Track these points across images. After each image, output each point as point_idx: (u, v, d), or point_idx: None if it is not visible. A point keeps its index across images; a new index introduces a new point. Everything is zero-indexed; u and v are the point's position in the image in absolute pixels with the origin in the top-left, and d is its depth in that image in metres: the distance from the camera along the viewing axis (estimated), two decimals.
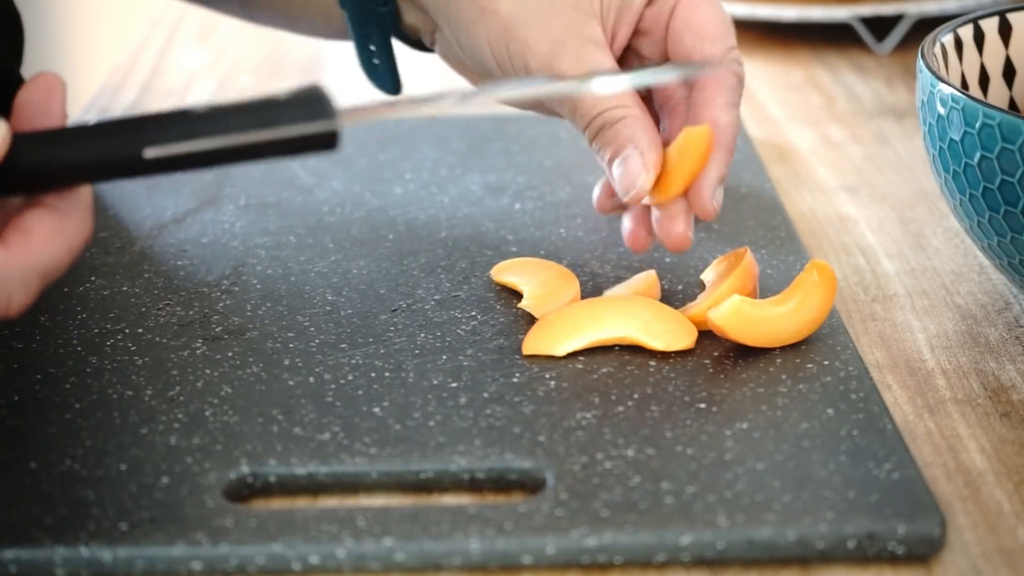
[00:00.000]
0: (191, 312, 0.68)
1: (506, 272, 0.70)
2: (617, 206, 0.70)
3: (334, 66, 1.07)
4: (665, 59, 0.68)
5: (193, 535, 0.54)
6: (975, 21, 0.73)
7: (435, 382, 0.63)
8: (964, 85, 0.73)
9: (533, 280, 0.69)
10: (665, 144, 0.66)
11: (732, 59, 0.66)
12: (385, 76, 0.73)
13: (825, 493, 0.55)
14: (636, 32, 0.68)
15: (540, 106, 0.70)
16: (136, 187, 0.81)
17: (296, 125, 0.55)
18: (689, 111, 0.66)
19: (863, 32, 1.05)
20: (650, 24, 0.67)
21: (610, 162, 0.65)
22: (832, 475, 0.56)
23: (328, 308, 0.69)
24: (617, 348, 0.65)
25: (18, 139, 0.53)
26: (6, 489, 0.56)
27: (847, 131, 0.93)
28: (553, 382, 0.62)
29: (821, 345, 0.65)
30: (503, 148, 0.86)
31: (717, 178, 0.65)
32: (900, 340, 0.69)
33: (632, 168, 0.64)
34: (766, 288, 0.69)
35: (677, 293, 0.69)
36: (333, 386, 0.62)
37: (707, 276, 0.70)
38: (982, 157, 0.64)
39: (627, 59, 0.69)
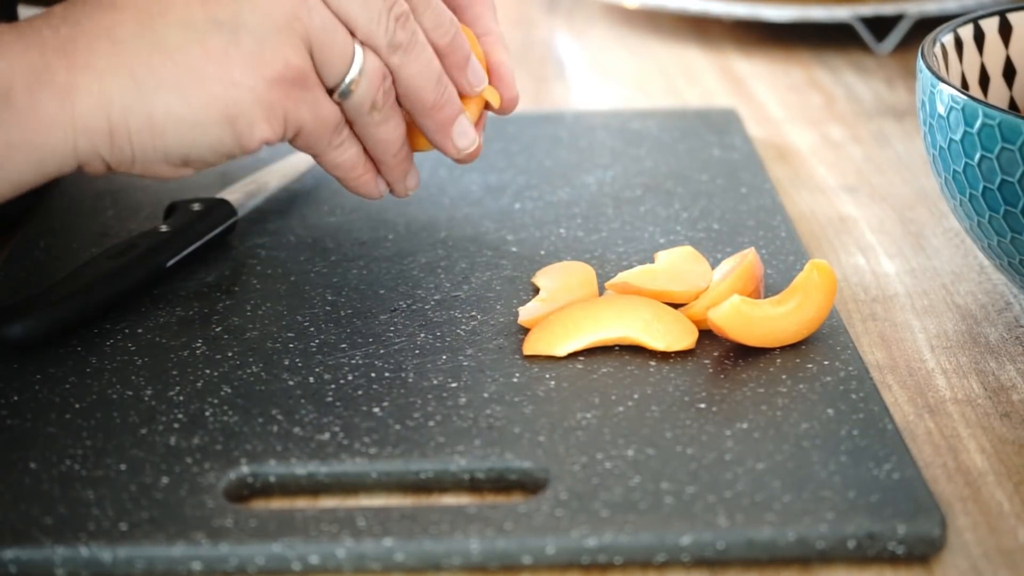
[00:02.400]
0: (191, 312, 0.68)
1: (543, 275, 0.70)
2: None
3: None
4: None
5: (193, 535, 0.54)
6: (975, 21, 0.73)
7: (435, 382, 0.63)
8: (964, 85, 0.73)
9: (554, 282, 0.69)
10: None
11: None
12: None
13: (825, 493, 0.55)
14: None
15: None
16: (137, 187, 0.81)
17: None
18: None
19: (863, 32, 1.05)
20: None
21: None
22: (832, 475, 0.56)
23: (328, 308, 0.69)
24: (617, 348, 0.65)
25: None
26: (6, 489, 0.56)
27: (847, 131, 0.93)
28: (553, 382, 0.62)
29: (821, 345, 0.65)
30: (503, 148, 0.86)
31: (513, 71, 0.70)
32: (900, 340, 0.69)
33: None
34: (766, 288, 0.69)
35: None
36: (333, 386, 0.62)
37: (716, 277, 0.70)
38: (982, 157, 0.64)
39: None
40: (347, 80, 0.62)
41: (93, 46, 0.59)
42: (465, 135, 0.67)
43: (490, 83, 0.69)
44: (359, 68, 0.62)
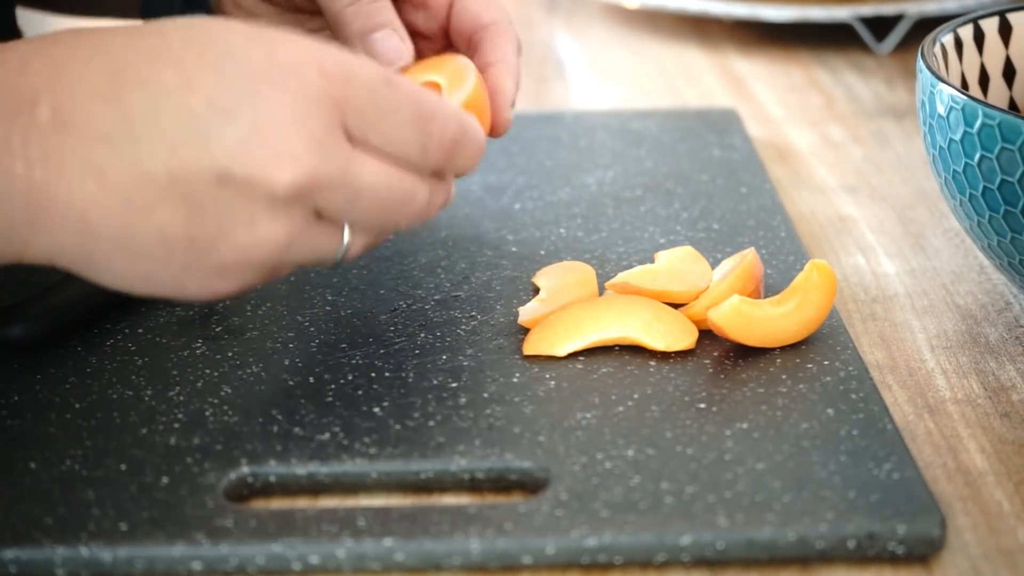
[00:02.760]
0: (191, 312, 0.68)
1: (543, 275, 0.70)
2: None
3: None
4: (440, 35, 0.72)
5: (193, 535, 0.54)
6: (975, 21, 0.73)
7: (435, 382, 0.63)
8: (964, 85, 0.73)
9: (554, 282, 0.69)
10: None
11: (508, 18, 0.71)
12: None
13: (825, 493, 0.55)
14: (412, 4, 0.71)
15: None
16: None
17: None
18: (471, 53, 0.70)
19: (863, 32, 1.05)
20: None
21: (362, 35, 0.68)
22: (832, 475, 0.56)
23: (328, 308, 0.69)
24: (617, 348, 0.65)
25: None
26: (6, 489, 0.56)
27: (847, 131, 0.93)
28: (553, 382, 0.62)
29: (821, 345, 0.65)
30: (502, 148, 0.86)
31: (512, 95, 0.69)
32: (900, 340, 0.69)
33: (393, 45, 0.68)
34: (766, 288, 0.69)
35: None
36: (333, 386, 0.62)
37: (716, 277, 0.70)
38: (982, 157, 0.64)
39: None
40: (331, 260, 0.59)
41: (63, 216, 0.54)
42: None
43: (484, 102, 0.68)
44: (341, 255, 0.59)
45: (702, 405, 0.61)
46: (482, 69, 0.69)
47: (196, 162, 0.54)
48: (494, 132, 0.69)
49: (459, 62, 0.68)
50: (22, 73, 0.54)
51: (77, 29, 0.56)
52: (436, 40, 0.72)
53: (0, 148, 0.53)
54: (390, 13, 0.69)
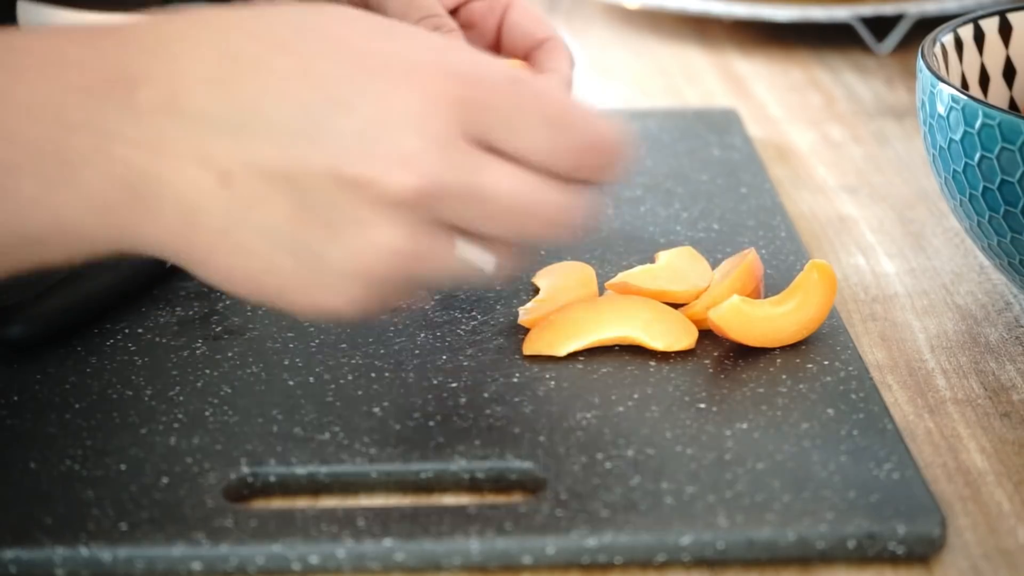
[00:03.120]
0: (191, 312, 0.68)
1: (543, 275, 0.70)
2: None
3: None
4: (491, 53, 0.73)
5: (193, 535, 0.54)
6: (975, 21, 0.73)
7: (435, 382, 0.63)
8: (964, 85, 0.73)
9: (554, 282, 0.69)
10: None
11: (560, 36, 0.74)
12: None
13: (825, 493, 0.55)
14: (462, 24, 0.73)
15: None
16: None
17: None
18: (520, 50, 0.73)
19: (863, 32, 1.05)
20: (478, 18, 0.73)
21: None
22: (832, 475, 0.56)
23: None
24: (617, 348, 0.65)
25: None
26: (6, 489, 0.56)
27: (847, 131, 0.93)
28: (553, 382, 0.62)
29: (821, 345, 0.65)
30: None
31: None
32: (900, 340, 0.69)
33: None
34: (766, 288, 0.69)
35: None
36: (333, 386, 0.62)
37: (716, 277, 0.70)
38: (982, 157, 0.64)
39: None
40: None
41: (165, 202, 0.51)
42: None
43: None
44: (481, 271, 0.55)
45: (702, 405, 0.61)
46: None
47: (307, 157, 0.50)
48: None
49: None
50: (120, 54, 0.51)
51: (181, 11, 0.53)
52: None
53: (96, 128, 0.50)
54: (453, 25, 0.71)
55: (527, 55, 0.73)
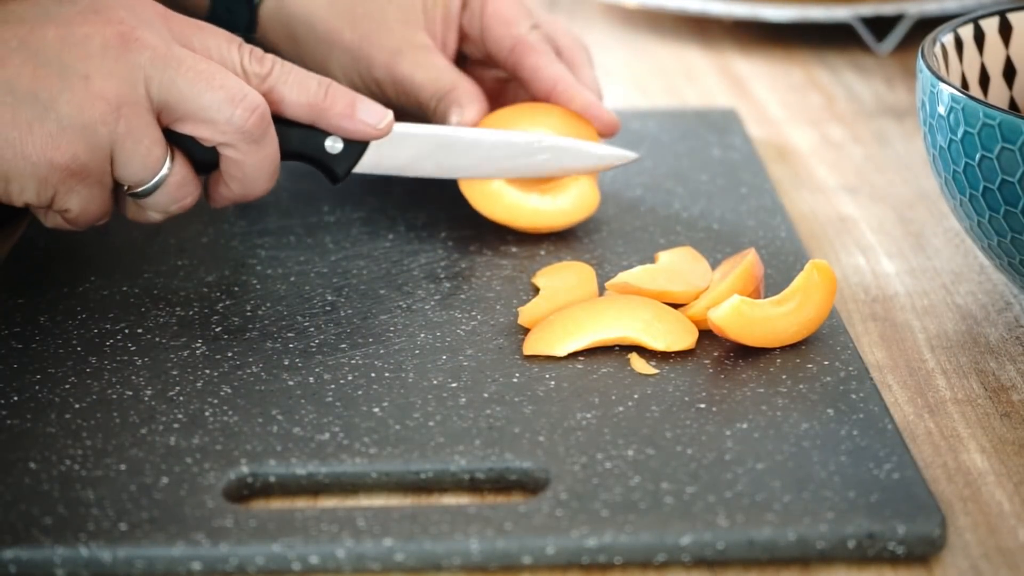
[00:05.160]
0: (191, 312, 0.68)
1: (543, 275, 0.71)
2: None
3: None
4: (486, 57, 0.79)
5: (193, 535, 0.54)
6: (975, 21, 0.73)
7: (435, 382, 0.63)
8: (964, 85, 0.73)
9: (554, 282, 0.69)
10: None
11: (536, 33, 0.77)
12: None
13: (825, 493, 0.55)
14: (460, 38, 0.79)
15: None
16: None
17: None
18: (525, 86, 0.77)
19: (863, 32, 1.05)
20: (467, 28, 0.78)
21: (444, 116, 0.76)
22: (832, 475, 0.56)
23: (328, 308, 0.69)
24: (617, 348, 0.65)
25: None
26: (6, 489, 0.56)
27: (847, 131, 0.93)
28: (553, 382, 0.62)
29: (821, 345, 0.65)
30: None
31: (588, 103, 0.75)
32: (900, 340, 0.69)
33: (456, 118, 0.75)
34: (766, 288, 0.69)
35: None
36: (333, 386, 0.62)
37: (716, 277, 0.70)
38: (982, 157, 0.64)
39: (461, 66, 0.80)
40: (143, 188, 0.66)
41: None
42: (370, 112, 0.70)
43: (583, 121, 0.75)
44: (159, 180, 0.66)
45: (702, 405, 0.61)
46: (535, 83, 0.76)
47: (42, 23, 0.63)
48: (603, 133, 0.76)
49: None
50: None
51: None
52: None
53: None
54: (460, 94, 0.75)
55: (513, 64, 0.76)
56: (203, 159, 0.68)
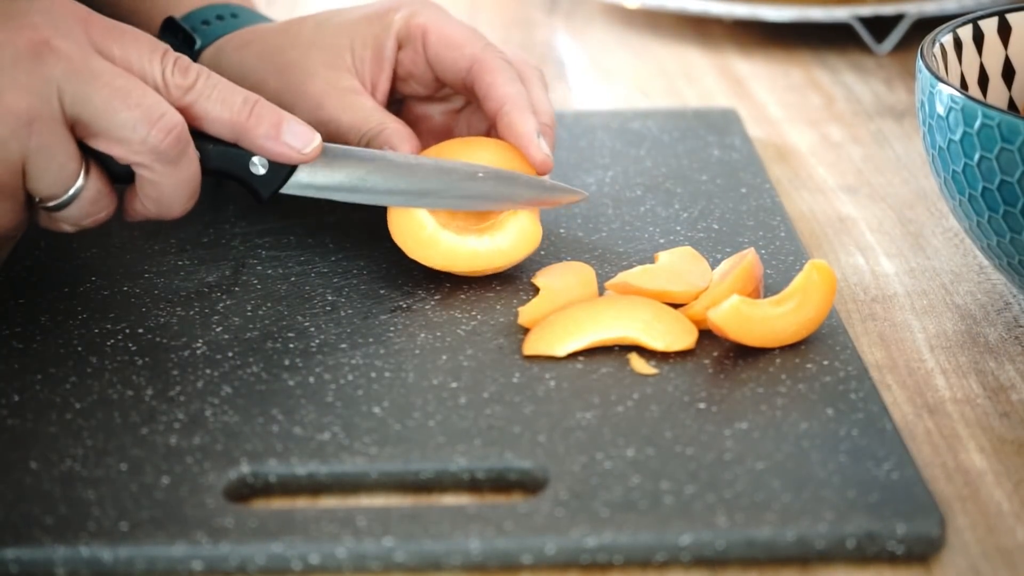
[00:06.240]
0: (191, 312, 0.68)
1: (543, 275, 0.70)
2: None
3: None
4: (437, 89, 0.77)
5: (193, 535, 0.54)
6: (974, 21, 0.73)
7: (435, 382, 0.63)
8: (963, 85, 0.73)
9: (554, 282, 0.69)
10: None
11: (491, 51, 0.74)
12: None
13: (825, 493, 0.55)
14: (398, 78, 0.76)
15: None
16: None
17: None
18: (481, 107, 0.74)
19: (863, 32, 1.05)
20: (410, 66, 0.76)
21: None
22: (832, 475, 0.56)
23: (328, 308, 0.69)
24: (617, 348, 0.65)
25: None
26: (6, 489, 0.56)
27: (847, 131, 0.93)
28: (553, 382, 0.63)
29: (821, 345, 0.65)
30: None
31: (530, 131, 0.72)
32: (900, 340, 0.69)
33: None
34: (766, 288, 0.69)
35: None
36: (333, 386, 0.62)
37: (716, 277, 0.70)
38: (981, 157, 0.64)
39: (411, 108, 0.79)
40: (56, 202, 0.65)
41: None
42: (296, 135, 0.68)
43: (521, 157, 0.72)
44: (72, 194, 0.64)
45: (702, 405, 0.61)
46: (490, 104, 0.73)
47: None
48: (537, 172, 0.72)
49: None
50: None
51: None
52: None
53: None
54: (391, 135, 0.72)
55: (468, 78, 0.74)
56: (120, 172, 0.66)
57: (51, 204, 0.65)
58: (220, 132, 0.67)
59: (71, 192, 0.64)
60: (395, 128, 0.72)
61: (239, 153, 0.67)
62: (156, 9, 0.81)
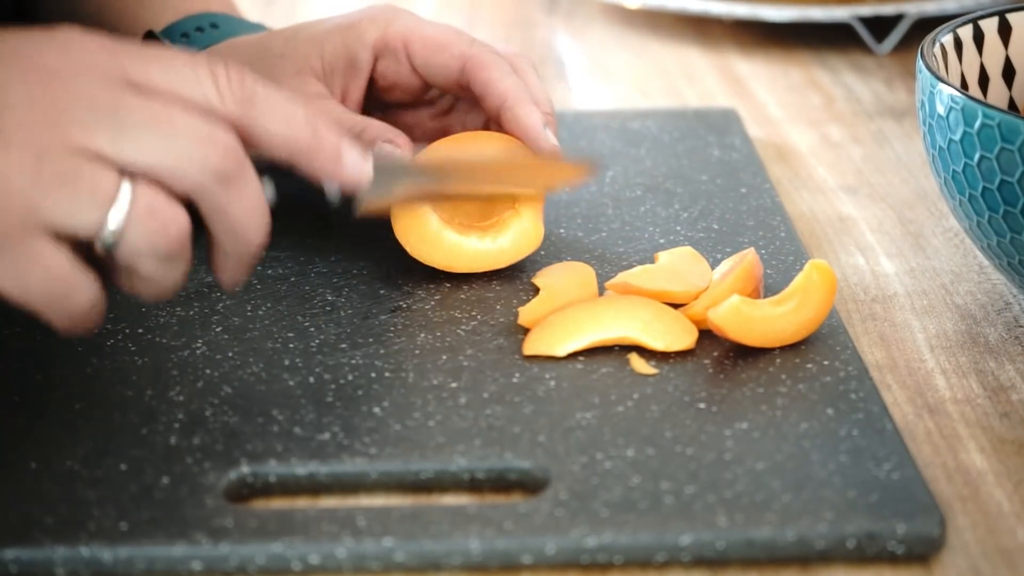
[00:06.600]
0: (191, 312, 0.68)
1: (543, 275, 0.71)
2: None
3: None
4: (423, 94, 0.76)
5: (193, 535, 0.54)
6: (975, 21, 0.73)
7: (435, 382, 0.63)
8: (964, 85, 0.73)
9: (554, 282, 0.69)
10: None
11: (479, 46, 0.73)
12: None
13: (825, 493, 0.55)
14: (381, 89, 0.75)
15: None
16: None
17: None
18: (479, 103, 0.73)
19: (863, 32, 1.05)
20: (393, 76, 0.75)
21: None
22: (832, 475, 0.56)
23: (328, 308, 0.69)
24: (617, 348, 0.65)
25: None
26: (6, 489, 0.56)
27: (847, 131, 0.93)
28: (553, 382, 0.63)
29: (821, 345, 0.65)
30: None
31: (536, 123, 0.71)
32: (900, 340, 0.69)
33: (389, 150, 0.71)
34: (766, 288, 0.69)
35: None
36: (333, 386, 0.62)
37: (716, 277, 0.70)
38: (981, 157, 0.64)
39: (399, 117, 0.77)
40: (105, 230, 0.55)
41: None
42: (353, 164, 0.61)
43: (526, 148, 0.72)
44: (120, 209, 0.55)
45: (702, 405, 0.61)
46: (489, 100, 0.72)
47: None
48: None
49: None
50: None
51: None
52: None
53: None
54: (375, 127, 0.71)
55: (468, 77, 0.73)
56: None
57: (104, 237, 0.55)
58: (276, 152, 0.59)
59: (115, 207, 0.55)
60: (378, 123, 0.71)
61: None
62: (139, 23, 0.80)
